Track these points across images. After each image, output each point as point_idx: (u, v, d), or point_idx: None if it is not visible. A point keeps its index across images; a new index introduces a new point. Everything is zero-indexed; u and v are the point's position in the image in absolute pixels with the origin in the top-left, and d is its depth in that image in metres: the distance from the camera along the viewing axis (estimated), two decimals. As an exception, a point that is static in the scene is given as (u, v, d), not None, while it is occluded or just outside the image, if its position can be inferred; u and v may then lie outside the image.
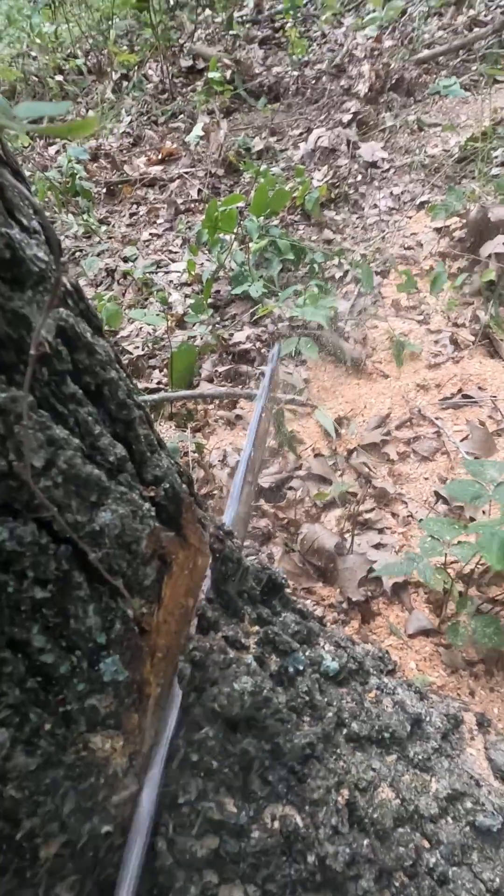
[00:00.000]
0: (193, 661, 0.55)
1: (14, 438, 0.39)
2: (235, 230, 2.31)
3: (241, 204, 2.38)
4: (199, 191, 3.27)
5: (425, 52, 3.58)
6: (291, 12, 4.46)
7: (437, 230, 2.43)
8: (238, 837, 0.59)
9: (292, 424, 1.85)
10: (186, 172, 3.45)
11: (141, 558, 0.49)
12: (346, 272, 2.36)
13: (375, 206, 2.74)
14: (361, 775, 0.71)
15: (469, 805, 0.77)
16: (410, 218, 2.62)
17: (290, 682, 0.68)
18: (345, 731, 0.73)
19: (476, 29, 3.59)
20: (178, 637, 0.59)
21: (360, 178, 2.88)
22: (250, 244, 2.34)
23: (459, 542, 1.10)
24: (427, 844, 0.73)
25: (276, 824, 0.61)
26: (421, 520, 1.37)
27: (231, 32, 4.56)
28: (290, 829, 0.61)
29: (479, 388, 1.84)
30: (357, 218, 2.71)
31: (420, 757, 0.79)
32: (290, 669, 0.68)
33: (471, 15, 3.87)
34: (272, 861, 0.61)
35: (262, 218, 2.40)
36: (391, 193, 2.76)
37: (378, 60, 3.50)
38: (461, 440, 1.70)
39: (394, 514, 1.59)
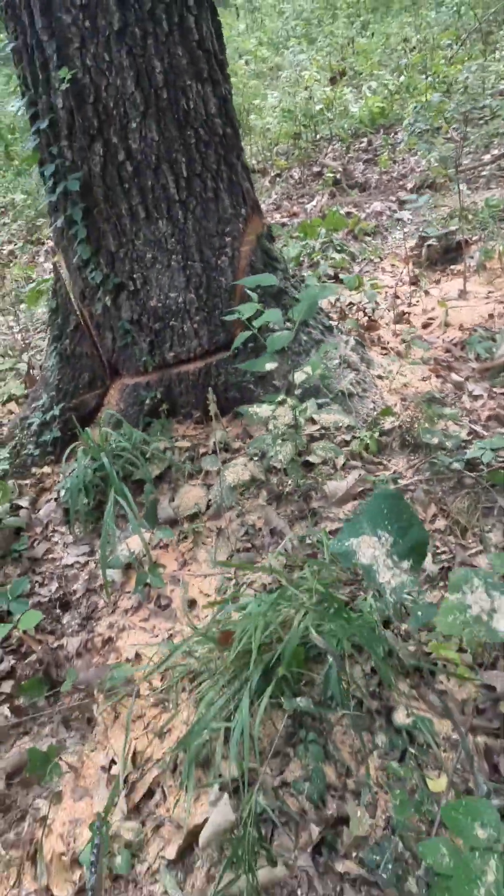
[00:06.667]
0: None
1: None
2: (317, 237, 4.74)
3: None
4: (306, 230, 5.78)
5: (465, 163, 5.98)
6: (388, 147, 7.15)
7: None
8: None
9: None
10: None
11: None
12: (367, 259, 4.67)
13: (396, 236, 5.07)
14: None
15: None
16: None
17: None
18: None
19: None
20: None
21: (389, 223, 5.25)
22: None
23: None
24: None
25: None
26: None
27: (349, 155, 7.32)
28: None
29: None
30: (382, 241, 5.05)
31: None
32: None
33: None
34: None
35: (327, 232, 4.82)
36: (406, 231, 5.08)
37: (423, 174, 5.95)
38: None
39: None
